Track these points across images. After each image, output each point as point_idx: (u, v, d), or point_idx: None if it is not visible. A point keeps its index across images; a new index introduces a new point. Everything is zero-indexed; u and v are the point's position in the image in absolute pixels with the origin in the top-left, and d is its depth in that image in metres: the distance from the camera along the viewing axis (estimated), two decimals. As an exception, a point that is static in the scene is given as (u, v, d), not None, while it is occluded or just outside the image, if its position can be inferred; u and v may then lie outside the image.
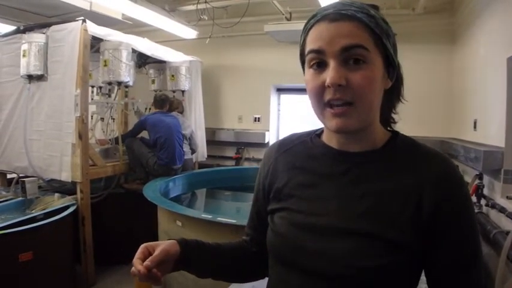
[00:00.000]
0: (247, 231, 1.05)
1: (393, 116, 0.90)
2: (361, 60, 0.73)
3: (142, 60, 4.89)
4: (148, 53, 4.22)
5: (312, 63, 0.77)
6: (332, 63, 0.73)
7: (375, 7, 0.79)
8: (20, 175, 3.72)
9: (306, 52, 0.78)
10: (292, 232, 0.84)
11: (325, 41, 0.74)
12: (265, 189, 0.94)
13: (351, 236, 0.76)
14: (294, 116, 5.59)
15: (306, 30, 0.79)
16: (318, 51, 0.75)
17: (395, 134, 0.86)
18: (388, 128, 0.89)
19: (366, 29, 0.74)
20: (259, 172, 0.99)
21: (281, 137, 1.02)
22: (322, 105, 0.77)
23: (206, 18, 4.54)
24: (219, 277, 1.00)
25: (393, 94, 0.86)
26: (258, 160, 5.43)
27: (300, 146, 0.93)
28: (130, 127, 4.76)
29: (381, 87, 0.78)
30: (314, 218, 0.81)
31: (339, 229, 0.78)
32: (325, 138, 0.89)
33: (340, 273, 0.75)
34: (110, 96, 4.26)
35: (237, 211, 4.27)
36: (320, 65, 0.76)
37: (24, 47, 3.43)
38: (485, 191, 2.83)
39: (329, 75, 0.73)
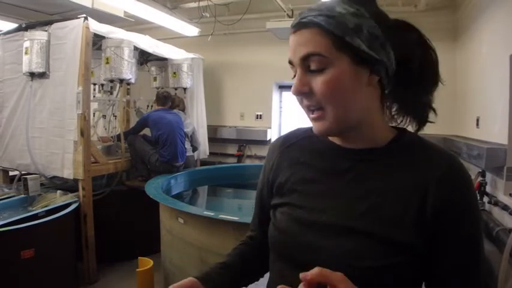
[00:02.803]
0: (252, 228, 1.05)
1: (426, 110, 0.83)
2: (321, 66, 0.73)
3: (144, 58, 4.90)
4: (150, 50, 4.22)
5: (293, 73, 0.79)
6: (298, 72, 0.76)
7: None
8: (22, 172, 3.74)
9: None
10: (292, 228, 0.83)
11: (291, 52, 0.76)
12: (270, 184, 0.94)
13: (351, 235, 0.75)
14: (295, 113, 5.59)
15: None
16: (290, 62, 0.78)
17: (403, 131, 0.84)
18: (398, 126, 0.85)
19: (325, 32, 0.72)
20: (264, 166, 0.99)
21: (283, 134, 1.02)
22: (305, 109, 0.80)
23: (208, 15, 4.53)
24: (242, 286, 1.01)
25: (413, 87, 0.81)
26: (259, 157, 5.44)
27: (304, 141, 0.92)
28: (132, 124, 4.77)
29: (353, 87, 0.75)
30: (314, 214, 0.81)
31: (339, 227, 0.77)
32: None
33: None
34: (111, 93, 4.27)
35: (238, 208, 4.27)
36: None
37: (26, 44, 3.43)
38: (488, 189, 2.82)
39: (293, 84, 0.76)
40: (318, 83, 0.73)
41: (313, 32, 0.73)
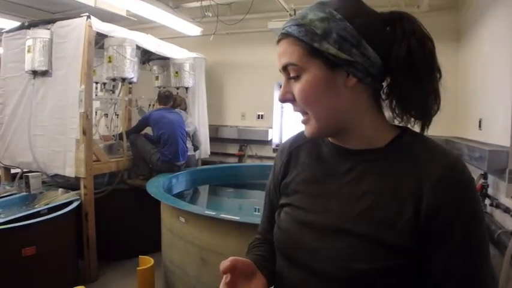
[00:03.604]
0: (261, 231, 1.04)
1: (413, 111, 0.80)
2: (296, 74, 0.77)
3: (146, 57, 4.90)
4: (152, 49, 4.23)
5: None
6: (283, 81, 0.80)
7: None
8: (24, 170, 3.74)
9: None
10: (293, 228, 0.84)
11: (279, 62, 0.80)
12: (278, 185, 0.95)
13: (348, 237, 0.74)
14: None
15: None
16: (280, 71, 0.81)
17: (405, 130, 0.82)
18: (402, 124, 0.82)
19: (297, 41, 0.76)
20: (274, 168, 0.99)
21: (284, 135, 1.02)
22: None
23: (210, 15, 4.53)
24: None
25: (398, 88, 0.79)
26: (261, 157, 5.43)
27: (310, 142, 0.93)
28: (134, 123, 4.77)
29: (329, 90, 0.76)
30: (313, 215, 0.81)
31: (336, 228, 0.77)
32: None
33: (335, 273, 0.74)
34: (113, 92, 4.27)
35: (239, 208, 4.27)
36: None
37: (29, 42, 3.44)
38: (490, 191, 2.81)
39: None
40: (295, 90, 0.78)
41: (288, 42, 0.77)
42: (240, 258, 0.77)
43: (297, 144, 0.96)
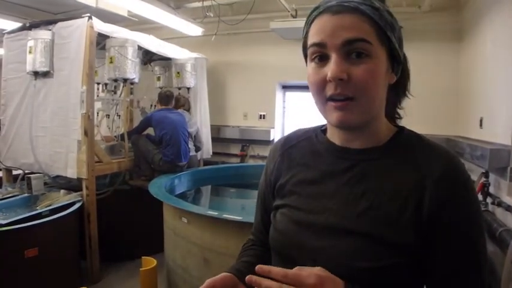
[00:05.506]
0: (253, 231, 1.04)
1: (398, 111, 0.88)
2: (364, 53, 0.71)
3: (147, 57, 4.90)
4: (154, 50, 4.23)
5: (313, 57, 0.75)
6: (334, 57, 0.72)
7: None
8: (26, 171, 3.74)
9: (308, 45, 0.77)
10: (291, 229, 0.83)
11: (327, 34, 0.72)
12: (272, 186, 0.94)
13: (349, 236, 0.74)
14: (299, 114, 5.58)
15: (309, 23, 0.78)
16: (319, 45, 0.73)
17: (401, 129, 0.84)
18: (394, 124, 0.87)
19: (370, 21, 0.72)
20: (266, 168, 0.98)
21: (285, 135, 1.00)
22: (324, 99, 0.75)
23: (212, 15, 4.53)
24: None
25: (399, 89, 0.84)
26: (263, 157, 5.43)
27: (304, 142, 0.92)
28: (135, 124, 4.77)
29: (384, 81, 0.76)
30: (313, 216, 0.80)
31: (337, 228, 0.77)
32: (328, 134, 0.88)
33: (337, 273, 0.72)
34: (115, 93, 4.28)
35: (242, 208, 4.27)
36: (322, 59, 0.74)
37: (31, 43, 3.45)
38: (491, 189, 2.81)
39: (330, 69, 0.71)
40: (359, 71, 0.71)
41: (360, 18, 0.72)
42: (217, 278, 0.78)
43: (290, 143, 0.94)
